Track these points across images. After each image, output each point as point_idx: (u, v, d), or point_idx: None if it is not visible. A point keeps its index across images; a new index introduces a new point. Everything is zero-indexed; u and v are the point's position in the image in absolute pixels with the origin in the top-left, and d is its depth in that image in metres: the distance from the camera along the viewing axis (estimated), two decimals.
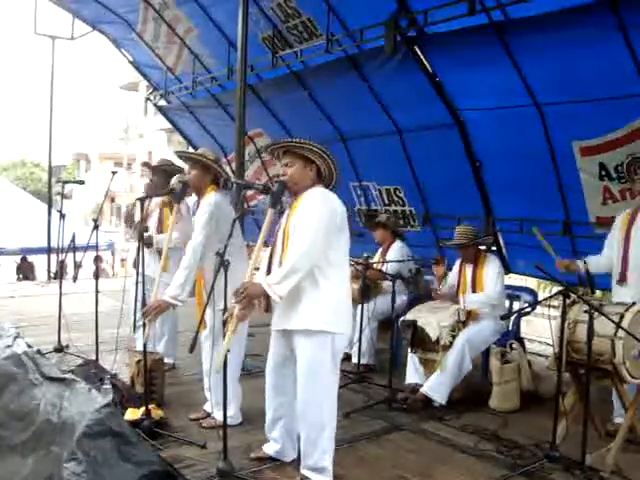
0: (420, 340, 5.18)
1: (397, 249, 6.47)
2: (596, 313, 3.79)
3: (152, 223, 5.89)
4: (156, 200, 5.90)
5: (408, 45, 6.66)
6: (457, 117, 7.10)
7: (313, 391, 3.55)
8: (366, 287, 5.96)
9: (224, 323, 3.54)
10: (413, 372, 5.40)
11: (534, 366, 5.62)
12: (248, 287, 3.45)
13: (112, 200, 36.98)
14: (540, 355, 6.95)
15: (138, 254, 4.54)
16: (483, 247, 5.73)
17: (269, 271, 3.63)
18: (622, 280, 4.66)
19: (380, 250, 6.74)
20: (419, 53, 6.77)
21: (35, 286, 11.94)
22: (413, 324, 5.16)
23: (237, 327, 3.53)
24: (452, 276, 5.81)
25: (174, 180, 5.22)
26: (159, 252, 5.72)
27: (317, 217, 3.44)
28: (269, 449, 3.97)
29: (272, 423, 3.87)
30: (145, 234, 5.72)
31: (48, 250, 12.66)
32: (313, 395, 3.55)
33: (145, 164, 6.38)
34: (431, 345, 5.11)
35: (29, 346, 5.61)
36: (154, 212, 5.93)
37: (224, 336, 3.55)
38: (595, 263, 4.90)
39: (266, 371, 3.85)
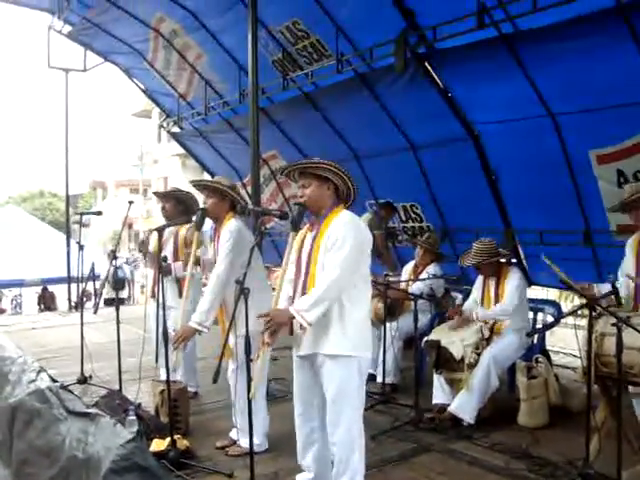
0: (445, 360, 5.11)
1: (430, 272, 6.38)
2: (623, 325, 3.71)
3: (167, 252, 5.88)
4: (170, 229, 5.89)
5: (418, 61, 6.65)
6: (471, 131, 7.06)
7: (341, 413, 3.51)
8: (391, 306, 5.92)
9: (247, 352, 3.51)
10: (440, 392, 5.32)
11: (561, 379, 5.52)
12: (275, 314, 3.46)
13: (129, 227, 37.27)
14: (567, 367, 6.83)
15: (157, 284, 4.53)
16: (504, 260, 5.64)
17: (294, 293, 3.62)
18: (635, 309, 4.56)
19: (411, 267, 6.70)
20: (430, 69, 6.76)
21: (57, 316, 11.99)
22: (437, 344, 5.11)
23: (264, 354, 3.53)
24: (475, 291, 5.73)
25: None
26: (177, 280, 5.73)
27: (350, 246, 3.42)
28: (303, 478, 3.91)
29: (304, 450, 3.80)
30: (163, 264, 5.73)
31: (68, 280, 12.74)
32: (341, 417, 3.51)
33: (156, 193, 6.39)
34: (456, 364, 5.04)
35: (53, 380, 5.61)
36: (169, 241, 5.92)
37: (247, 363, 3.53)
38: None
39: (294, 398, 3.81)
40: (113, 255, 5.84)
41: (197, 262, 5.09)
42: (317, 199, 3.59)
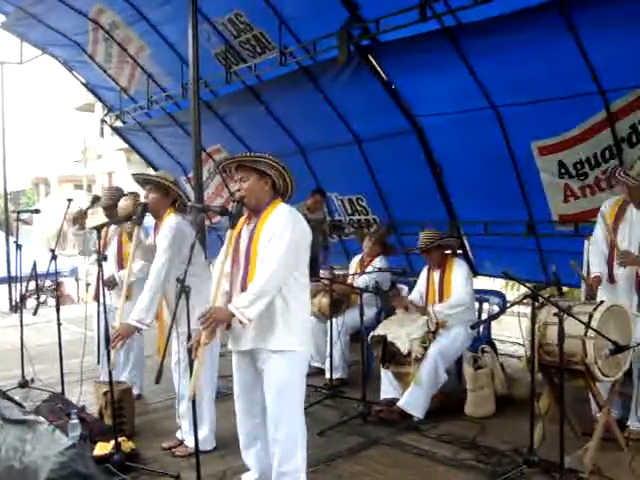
0: (391, 354, 5.11)
1: (376, 265, 6.35)
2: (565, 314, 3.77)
3: (111, 251, 5.74)
4: (113, 227, 5.76)
5: (362, 54, 6.65)
6: (415, 123, 7.10)
7: (284, 409, 3.48)
8: (336, 301, 5.89)
9: (189, 350, 3.44)
10: (388, 387, 5.31)
11: (507, 369, 5.61)
12: (214, 312, 3.37)
13: (73, 223, 36.35)
14: (512, 356, 6.95)
15: (98, 283, 4.41)
16: (449, 251, 5.68)
17: (231, 287, 3.56)
18: (611, 280, 4.65)
19: (357, 259, 6.69)
20: (373, 61, 6.76)
21: None
22: (383, 339, 5.11)
23: (203, 353, 3.45)
24: (420, 283, 5.76)
25: (121, 203, 5.14)
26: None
27: (289, 239, 3.36)
28: (247, 478, 3.85)
29: (247, 447, 3.75)
30: (109, 274, 5.59)
31: (8, 280, 12.38)
32: (284, 413, 3.48)
33: (97, 200, 6.12)
34: (403, 359, 5.04)
35: None
36: (112, 239, 5.79)
37: (190, 361, 3.46)
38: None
39: (235, 394, 3.75)
40: (53, 255, 5.67)
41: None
42: (255, 193, 3.52)
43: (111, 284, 5.53)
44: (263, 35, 7.73)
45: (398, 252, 7.23)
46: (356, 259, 6.77)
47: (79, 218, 6.01)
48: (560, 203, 6.39)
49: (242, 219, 3.63)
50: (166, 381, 4.40)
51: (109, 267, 5.63)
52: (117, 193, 5.87)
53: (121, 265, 5.72)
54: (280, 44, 7.31)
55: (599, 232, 4.78)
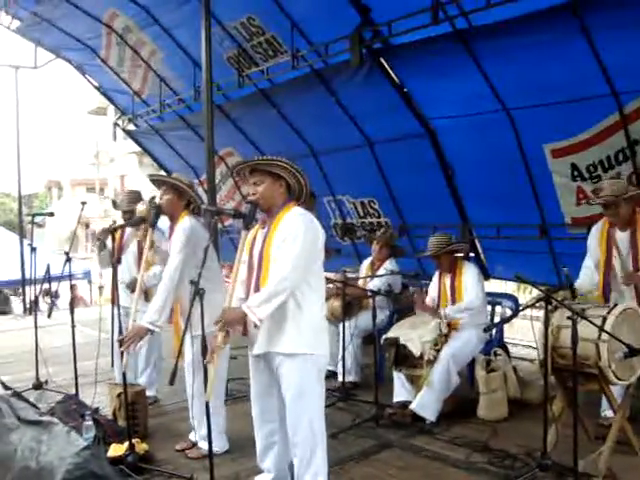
0: (404, 357, 5.11)
1: (387, 268, 6.38)
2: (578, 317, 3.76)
3: (130, 255, 5.73)
4: (131, 230, 5.75)
5: (374, 57, 6.65)
6: (427, 126, 7.09)
7: (302, 413, 3.46)
8: (348, 304, 5.90)
9: (203, 352, 3.45)
10: (401, 390, 5.32)
11: (520, 372, 5.60)
12: (227, 313, 3.39)
13: (87, 226, 36.62)
14: (525, 359, 6.93)
15: (113, 286, 4.43)
16: (460, 255, 5.68)
17: (247, 293, 3.57)
18: (605, 300, 4.66)
19: (367, 263, 6.69)
20: (385, 64, 6.76)
21: (11, 320, 11.73)
22: (395, 342, 5.11)
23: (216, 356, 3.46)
24: (432, 287, 5.75)
25: (139, 207, 5.15)
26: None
27: (302, 241, 3.37)
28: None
29: (264, 452, 3.75)
30: (130, 276, 5.60)
31: (22, 282, 12.45)
32: (302, 417, 3.47)
33: (117, 207, 5.96)
34: (415, 361, 5.05)
35: (6, 387, 5.47)
36: (131, 243, 5.78)
37: (203, 364, 3.47)
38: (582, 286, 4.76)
39: (251, 399, 3.75)
40: (67, 257, 5.71)
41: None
42: (269, 197, 3.54)
43: (134, 286, 5.54)
44: (275, 39, 7.76)
45: (407, 254, 7.23)
46: (366, 262, 6.79)
47: (104, 235, 5.64)
48: (573, 206, 6.36)
49: (257, 226, 3.65)
50: (180, 383, 4.42)
51: (129, 269, 5.65)
52: (137, 196, 5.88)
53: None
54: (292, 47, 7.33)
55: (590, 254, 4.87)
